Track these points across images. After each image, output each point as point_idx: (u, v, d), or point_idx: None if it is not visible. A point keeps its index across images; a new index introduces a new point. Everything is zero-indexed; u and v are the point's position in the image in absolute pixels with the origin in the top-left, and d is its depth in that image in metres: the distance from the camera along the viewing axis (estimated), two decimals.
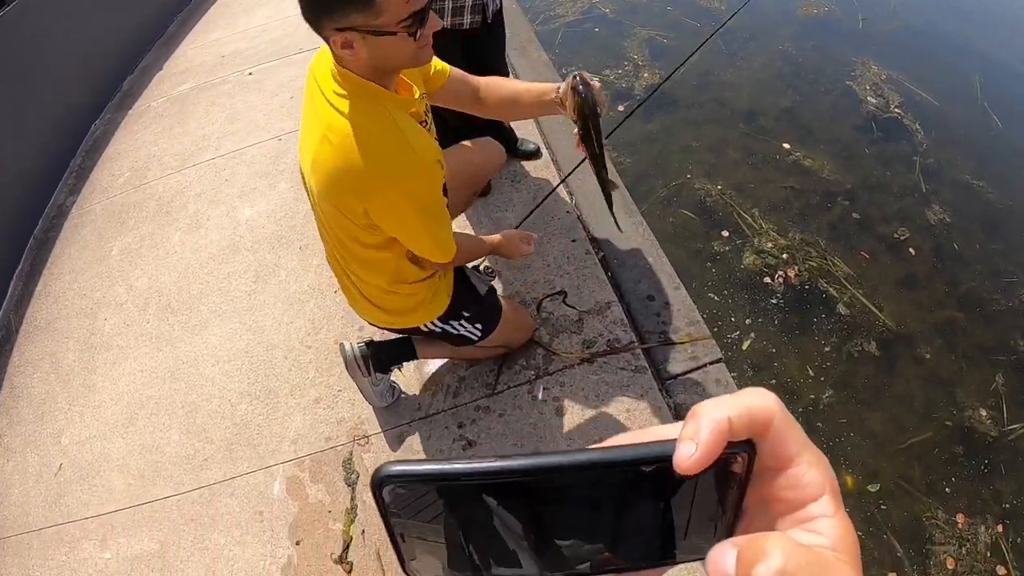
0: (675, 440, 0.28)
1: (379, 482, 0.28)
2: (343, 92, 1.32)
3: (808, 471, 0.29)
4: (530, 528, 0.30)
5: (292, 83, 3.84)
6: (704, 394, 2.04)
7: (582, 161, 2.10)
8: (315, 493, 2.03)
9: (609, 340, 2.18)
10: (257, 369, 2.40)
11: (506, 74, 2.68)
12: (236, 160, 3.38)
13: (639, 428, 0.32)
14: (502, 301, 1.98)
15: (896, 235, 3.27)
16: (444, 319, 1.80)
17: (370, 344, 1.96)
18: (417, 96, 1.46)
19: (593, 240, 2.55)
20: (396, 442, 2.06)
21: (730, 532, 0.30)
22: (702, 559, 0.29)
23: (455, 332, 1.84)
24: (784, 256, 3.14)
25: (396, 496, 0.29)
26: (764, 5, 4.77)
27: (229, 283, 2.76)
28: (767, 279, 3.06)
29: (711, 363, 2.13)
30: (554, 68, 3.72)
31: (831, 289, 3.01)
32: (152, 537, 2.05)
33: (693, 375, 2.09)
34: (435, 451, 2.00)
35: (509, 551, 0.30)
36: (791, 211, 3.38)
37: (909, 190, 3.50)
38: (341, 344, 1.98)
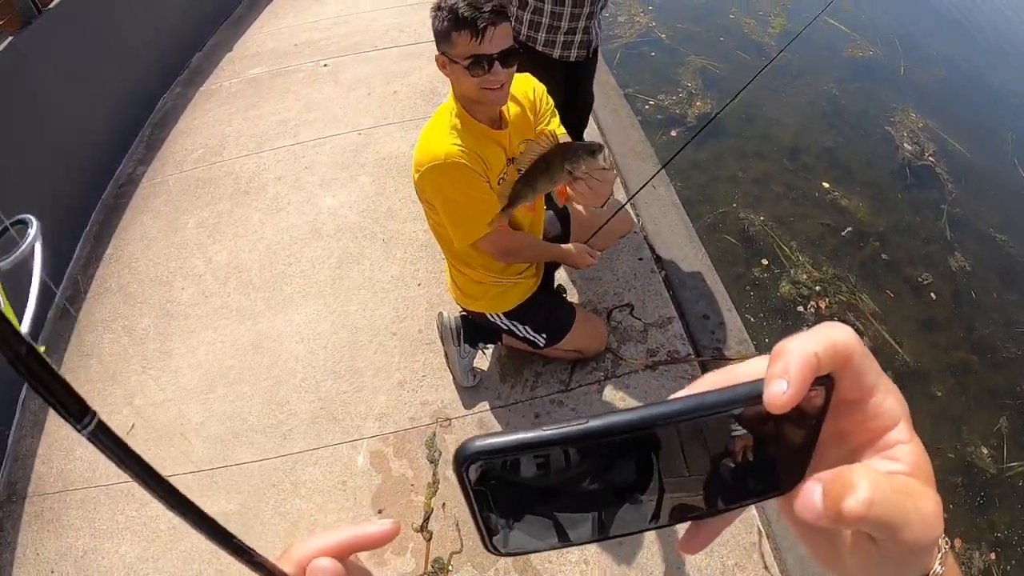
0: (763, 380, 0.28)
1: (464, 460, 0.28)
2: (443, 105, 1.75)
3: (885, 399, 0.30)
4: (617, 487, 0.30)
5: (369, 79, 3.97)
6: None
7: (647, 182, 2.33)
8: (398, 467, 2.17)
9: (669, 351, 2.39)
10: (342, 350, 2.51)
11: (591, 97, 2.88)
12: (315, 150, 3.51)
13: None
14: (581, 313, 2.21)
15: (920, 278, 3.44)
16: (510, 317, 2.05)
17: (464, 318, 2.19)
18: (506, 134, 1.77)
19: (658, 259, 2.77)
20: (477, 426, 2.24)
21: (808, 466, 0.30)
22: (781, 494, 0.31)
23: (519, 334, 2.10)
24: (817, 288, 3.31)
25: (480, 472, 0.29)
26: (812, 43, 4.87)
27: (313, 267, 2.88)
28: (800, 307, 3.24)
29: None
30: (620, 91, 3.89)
31: (857, 323, 3.18)
32: (231, 499, 2.12)
33: None
34: None
35: (595, 512, 0.31)
36: (826, 247, 3.55)
37: (935, 237, 3.68)
38: (440, 313, 2.20)
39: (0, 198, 2.71)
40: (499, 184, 1.71)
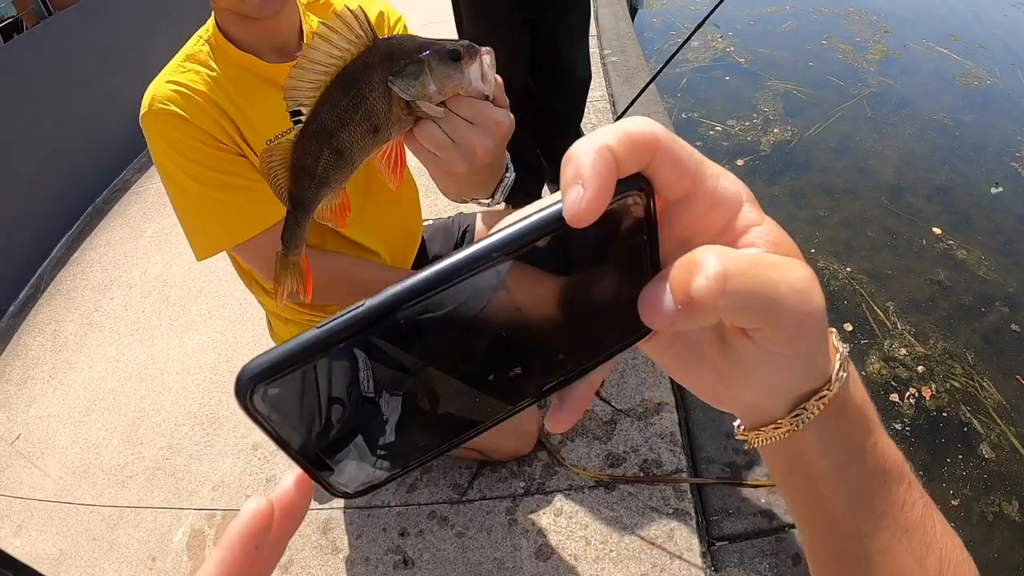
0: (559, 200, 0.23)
1: (244, 389, 0.22)
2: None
3: (718, 181, 0.26)
4: (440, 374, 0.24)
5: None
6: (770, 574, 1.36)
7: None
8: None
9: (646, 460, 1.54)
10: (214, 391, 2.11)
11: (582, 72, 2.21)
12: None
13: None
14: None
15: None
16: None
17: None
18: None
19: None
20: (318, 530, 1.60)
21: None
22: (641, 335, 0.26)
23: None
24: (920, 369, 2.48)
25: (273, 400, 0.22)
26: (917, 70, 4.33)
27: (229, 286, 2.52)
28: (894, 396, 2.39)
29: (793, 526, 1.42)
30: (660, 98, 3.26)
31: (975, 422, 2.31)
32: (56, 542, 1.86)
33: (760, 542, 1.39)
34: (361, 558, 1.50)
35: (430, 412, 0.25)
36: (935, 312, 2.72)
37: None
38: None
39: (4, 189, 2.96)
40: (264, 155, 0.72)
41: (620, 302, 0.25)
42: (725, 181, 0.26)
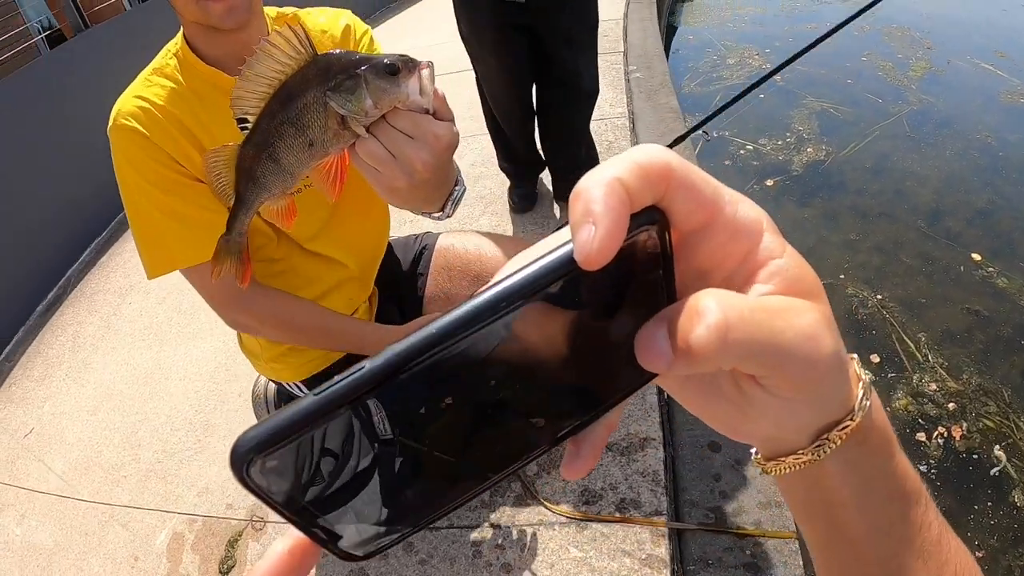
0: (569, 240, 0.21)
1: (239, 463, 0.20)
2: None
3: (737, 208, 0.24)
4: (450, 426, 0.23)
5: None
6: None
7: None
8: (187, 564, 1.63)
9: (624, 499, 1.44)
10: (209, 399, 2.14)
11: (587, 83, 2.18)
12: None
13: None
14: None
15: None
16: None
17: (282, 389, 1.47)
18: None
19: None
20: None
21: None
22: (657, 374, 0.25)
23: None
24: (951, 406, 2.30)
25: (271, 472, 0.21)
26: (962, 86, 4.10)
27: None
28: (921, 435, 2.23)
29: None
30: (682, 117, 3.17)
31: (1010, 466, 2.14)
32: (52, 534, 1.91)
33: None
34: None
35: (443, 467, 0.24)
36: (971, 345, 2.54)
37: None
38: (259, 377, 1.52)
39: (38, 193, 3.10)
40: (211, 155, 0.76)
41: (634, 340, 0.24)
42: (744, 208, 0.24)
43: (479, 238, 1.35)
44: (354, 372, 0.21)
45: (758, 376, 0.23)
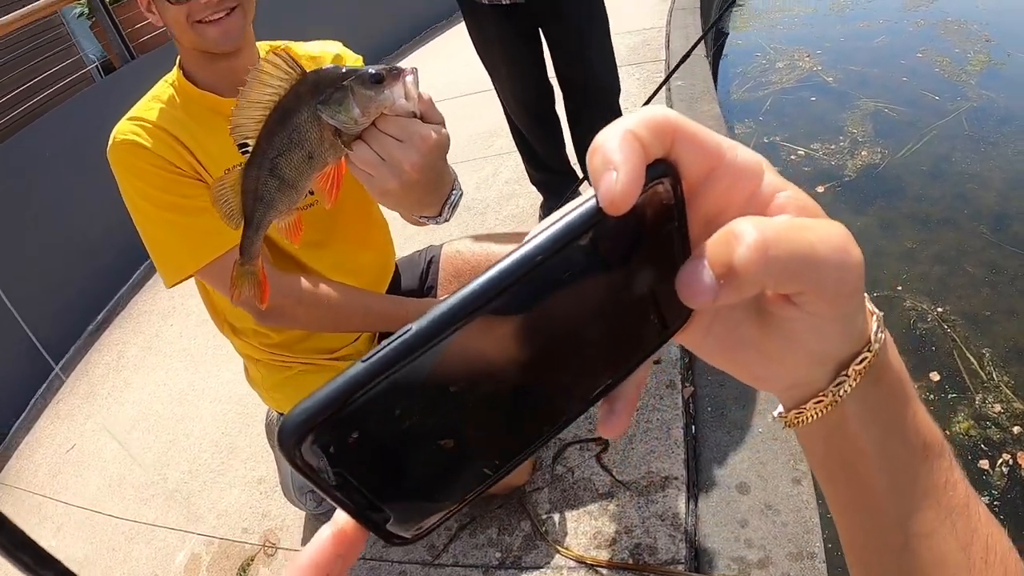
0: (591, 195, 0.22)
1: (289, 442, 0.20)
2: None
3: (736, 151, 0.25)
4: (491, 392, 0.23)
5: None
6: None
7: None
8: None
9: (639, 545, 1.31)
10: (236, 421, 2.17)
11: (605, 80, 2.12)
12: None
13: None
14: None
15: None
16: None
17: None
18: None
19: (688, 368, 1.69)
20: None
21: None
22: (680, 326, 0.26)
23: None
24: (1016, 430, 2.12)
25: (322, 448, 0.20)
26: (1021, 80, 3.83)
27: None
28: (983, 462, 2.06)
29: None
30: (724, 124, 3.05)
31: None
32: (83, 547, 1.97)
33: None
34: None
35: (486, 434, 0.24)
36: None
37: None
38: (269, 408, 1.52)
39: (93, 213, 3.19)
40: (217, 182, 0.80)
41: (656, 294, 0.25)
42: (743, 151, 0.25)
43: (484, 239, 1.34)
44: (402, 335, 0.20)
45: (794, 295, 0.24)
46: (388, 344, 0.20)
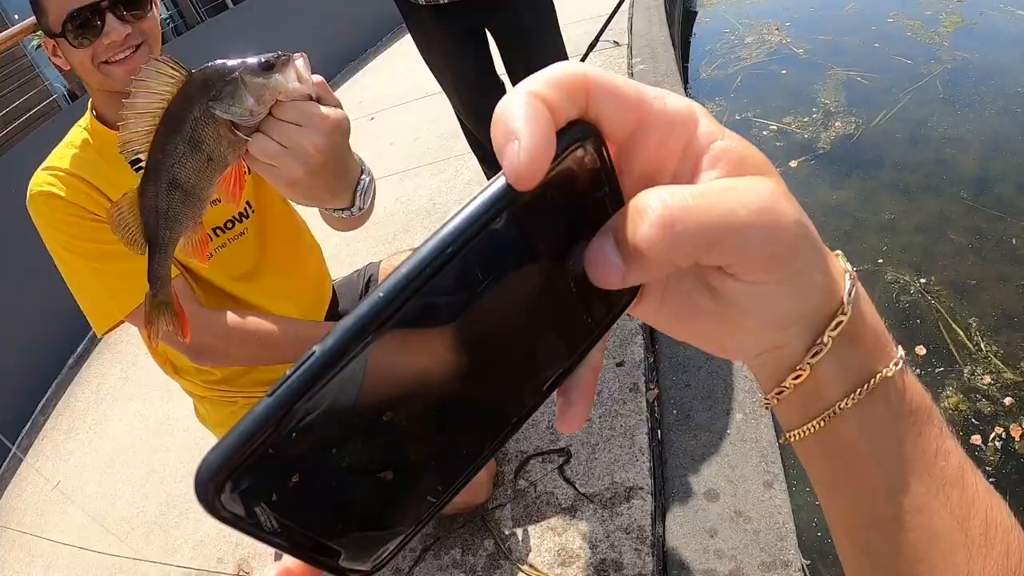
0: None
1: (206, 494, 0.18)
2: None
3: (665, 100, 0.23)
4: (434, 403, 0.21)
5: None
6: None
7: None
8: None
9: (604, 560, 1.26)
10: (208, 448, 2.12)
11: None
12: None
13: None
14: None
15: None
16: None
17: None
18: None
19: (652, 368, 1.64)
20: None
21: None
22: (632, 299, 0.25)
23: None
24: (1007, 401, 2.07)
25: (245, 494, 0.19)
26: (998, 38, 3.81)
27: None
28: (976, 437, 2.03)
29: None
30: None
31: None
32: None
33: None
34: None
35: (434, 447, 0.22)
36: None
37: None
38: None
39: None
40: (113, 207, 0.75)
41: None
42: (672, 100, 0.23)
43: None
44: (305, 360, 0.18)
45: (724, 266, 0.22)
46: (291, 373, 0.18)
